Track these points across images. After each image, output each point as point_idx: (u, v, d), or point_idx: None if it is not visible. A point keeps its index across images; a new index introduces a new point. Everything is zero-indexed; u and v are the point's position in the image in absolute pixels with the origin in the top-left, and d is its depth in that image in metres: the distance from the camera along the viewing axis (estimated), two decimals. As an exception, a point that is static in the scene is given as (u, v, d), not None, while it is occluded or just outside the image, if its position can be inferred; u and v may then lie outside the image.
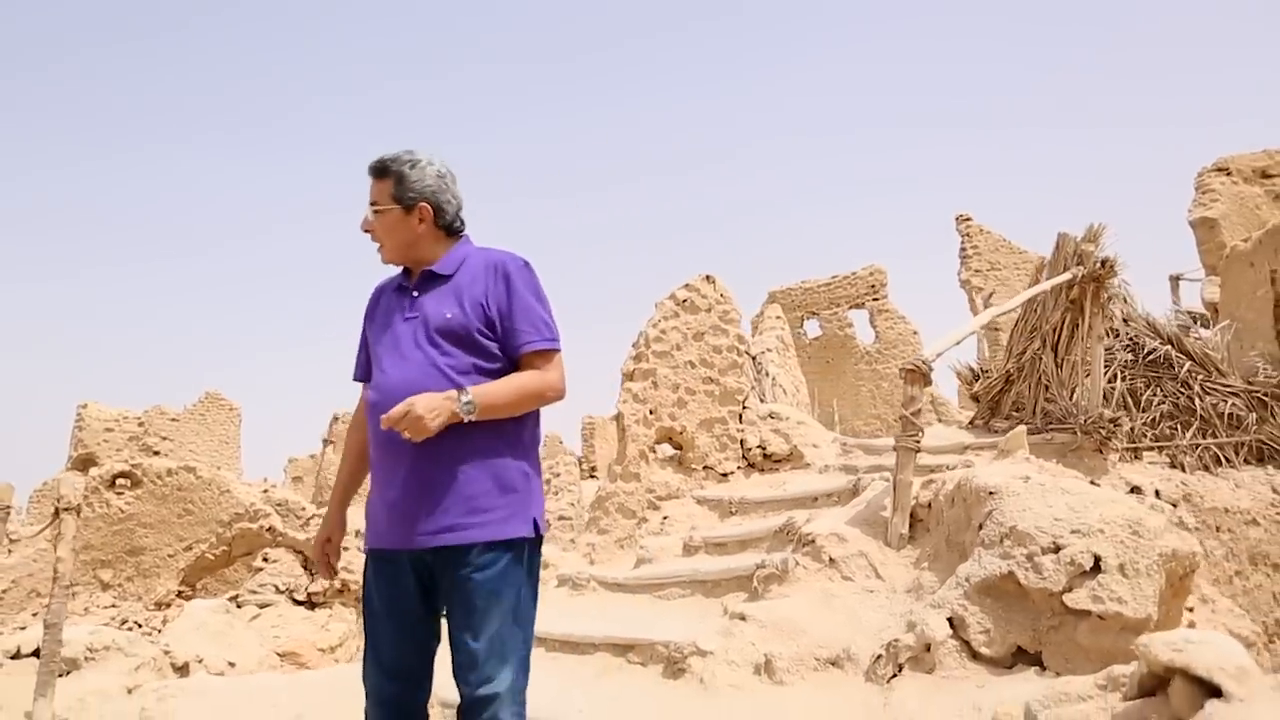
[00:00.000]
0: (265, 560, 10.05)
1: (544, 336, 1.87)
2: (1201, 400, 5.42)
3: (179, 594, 9.22)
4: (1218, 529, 4.67)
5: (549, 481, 7.75)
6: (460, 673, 1.75)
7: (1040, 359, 4.99)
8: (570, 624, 3.73)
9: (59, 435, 14.12)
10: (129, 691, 4.39)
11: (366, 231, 1.92)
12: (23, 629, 6.27)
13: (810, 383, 15.48)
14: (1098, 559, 2.33)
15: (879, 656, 2.68)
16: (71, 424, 13.94)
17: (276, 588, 9.31)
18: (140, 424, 14.60)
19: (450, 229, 1.96)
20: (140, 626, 8.28)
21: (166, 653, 5.04)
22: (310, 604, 8.98)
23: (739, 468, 5.42)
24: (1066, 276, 4.52)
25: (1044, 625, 2.42)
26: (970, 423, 5.80)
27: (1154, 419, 5.43)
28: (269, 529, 9.74)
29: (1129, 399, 5.62)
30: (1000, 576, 2.50)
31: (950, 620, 2.57)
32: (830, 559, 3.40)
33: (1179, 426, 5.40)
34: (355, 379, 2.10)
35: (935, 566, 3.06)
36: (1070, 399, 4.70)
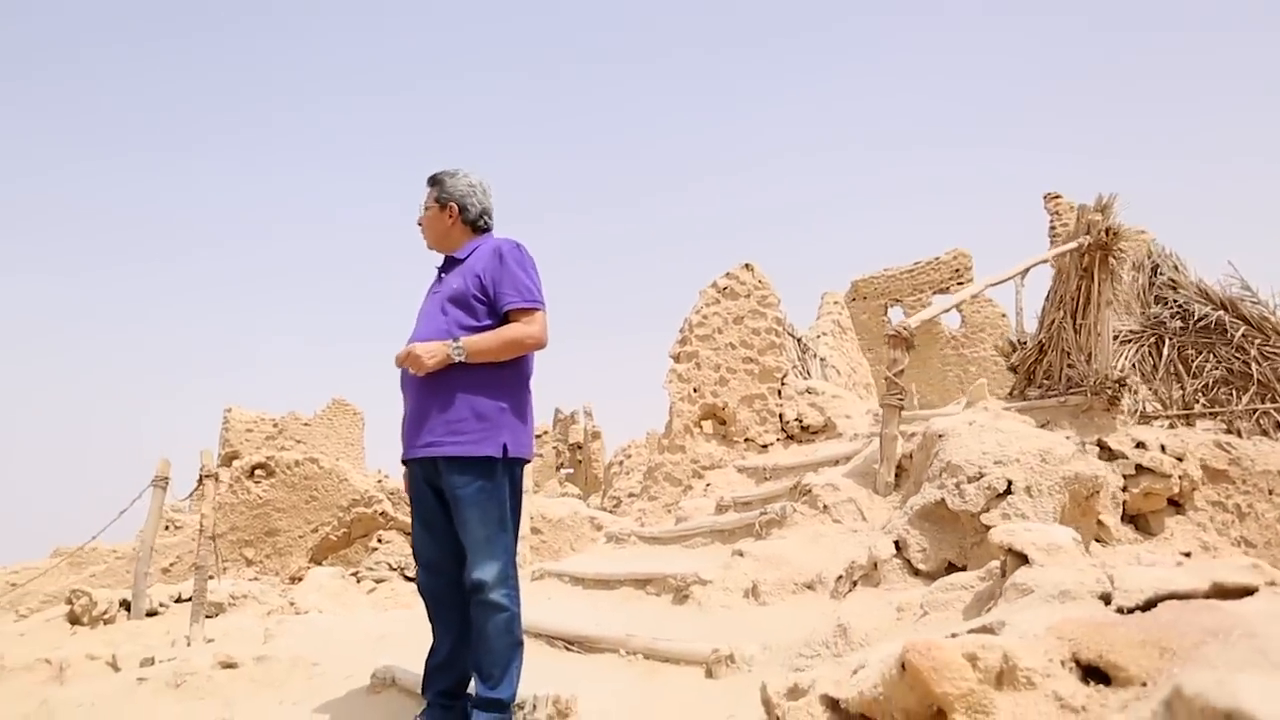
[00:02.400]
0: (379, 541, 11.23)
1: (524, 298, 2.46)
2: (1259, 365, 5.44)
3: (308, 570, 10.47)
4: (1270, 492, 4.74)
5: (622, 462, 8.36)
6: (466, 565, 2.37)
7: (1063, 327, 5.16)
8: (604, 567, 4.32)
9: (212, 434, 16.02)
10: (260, 625, 5.34)
11: (419, 224, 2.64)
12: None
13: (896, 370, 15.50)
14: (1010, 483, 2.71)
15: (839, 577, 3.12)
16: (219, 425, 15.85)
17: (390, 565, 10.37)
18: (275, 425, 16.32)
19: (474, 225, 2.63)
20: (274, 589, 9.52)
21: (292, 603, 6.00)
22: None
23: (778, 439, 5.86)
24: (1071, 245, 4.72)
25: (968, 542, 2.81)
26: (1009, 394, 5.98)
27: (1206, 384, 5.50)
28: (381, 513, 10.89)
29: (1179, 365, 5.71)
30: (935, 504, 2.91)
31: (896, 543, 2.99)
32: (824, 505, 3.84)
33: (1235, 392, 5.44)
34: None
35: (904, 505, 3.46)
36: (1088, 364, 4.86)
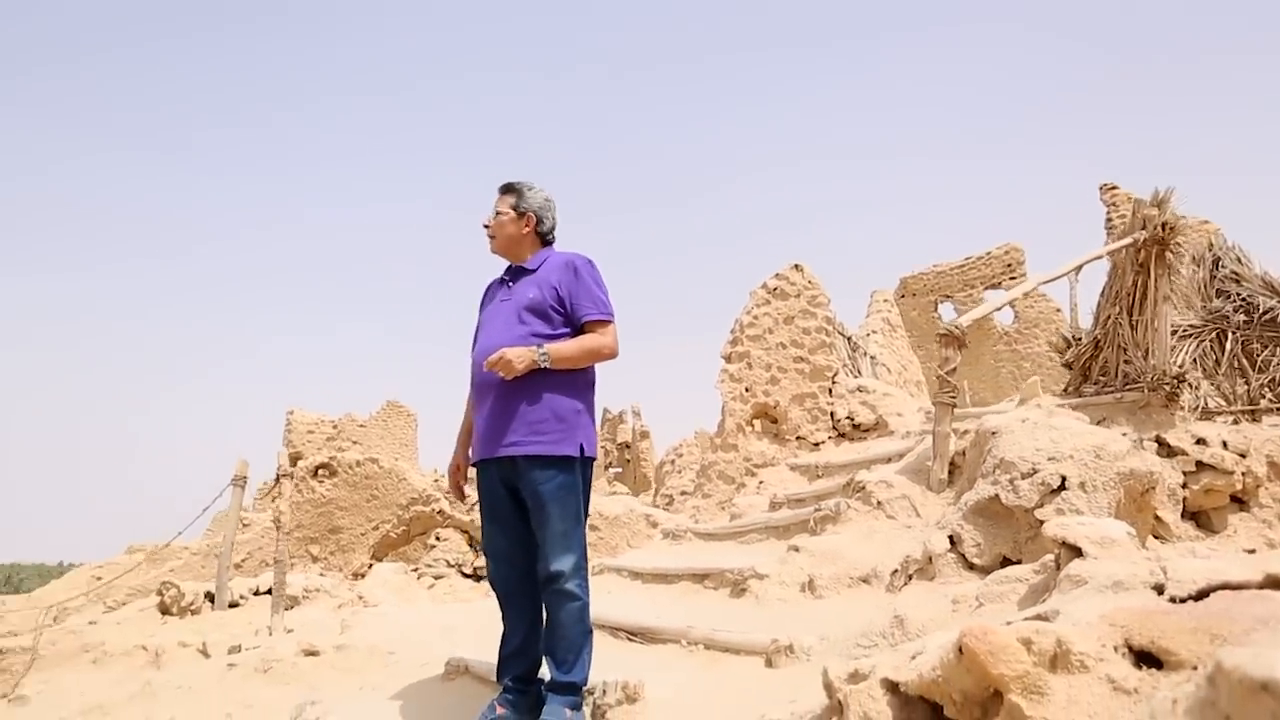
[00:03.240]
0: (437, 539, 11.56)
1: (600, 310, 2.64)
2: (1333, 359, 5.32)
3: (370, 566, 10.85)
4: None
5: (674, 461, 8.49)
6: (539, 556, 2.53)
7: (1120, 323, 5.11)
8: (662, 561, 4.46)
9: (270, 443, 16.65)
10: (334, 616, 5.62)
11: (486, 227, 2.79)
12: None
13: (947, 367, 15.30)
14: (1064, 479, 2.76)
15: (895, 571, 3.21)
16: (282, 426, 16.45)
17: (448, 562, 10.68)
18: (334, 426, 16.87)
19: (543, 238, 2.81)
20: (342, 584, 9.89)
21: (360, 597, 6.28)
22: (476, 577, 10.26)
23: (829, 437, 5.92)
24: (1127, 241, 4.69)
25: (1023, 537, 2.87)
26: (1064, 390, 5.94)
27: (1273, 379, 5.40)
28: (439, 511, 11.21)
29: (1242, 360, 5.61)
30: (989, 499, 2.97)
31: (950, 538, 3.06)
32: (878, 502, 3.92)
33: (1305, 386, 5.34)
34: (471, 351, 2.97)
35: (958, 501, 3.52)
36: (1145, 360, 4.82)
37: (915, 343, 15.50)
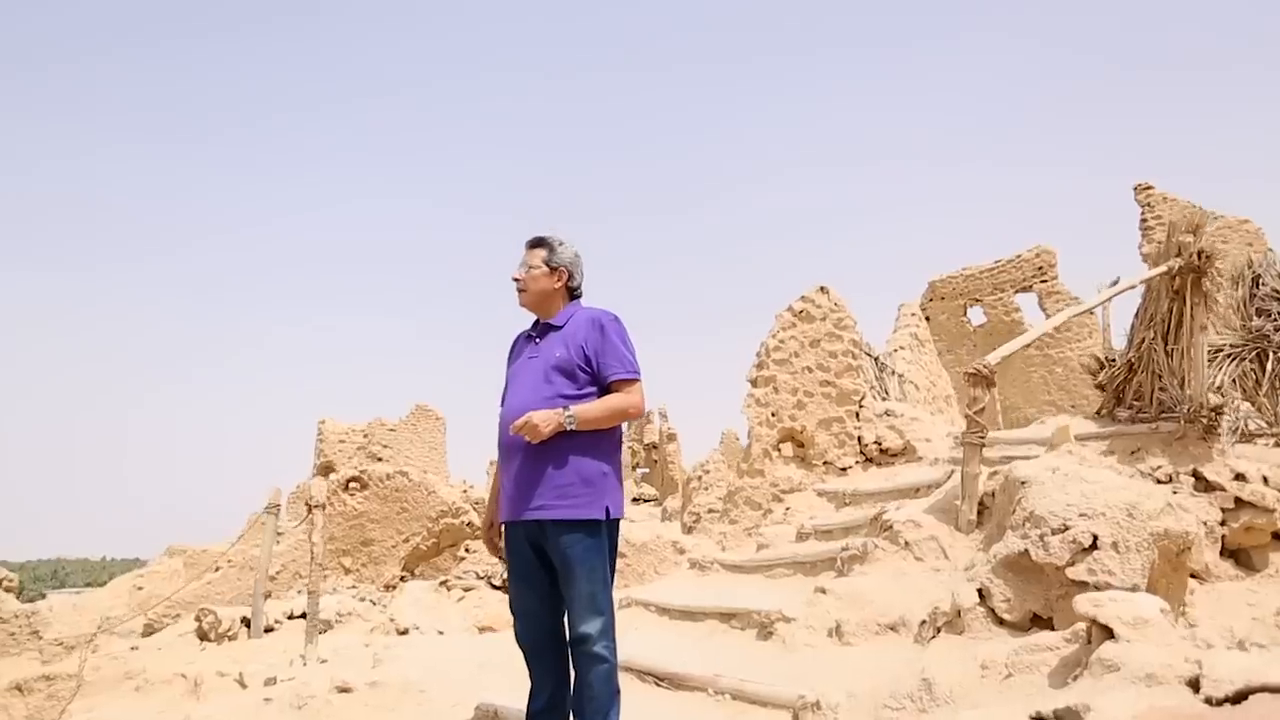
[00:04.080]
0: (467, 551, 11.69)
1: (626, 369, 2.66)
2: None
3: (401, 578, 11.00)
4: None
5: (700, 478, 8.49)
6: (567, 618, 2.55)
7: (1154, 349, 5.01)
8: (689, 598, 4.47)
9: (307, 445, 16.93)
10: (366, 645, 5.71)
11: (517, 280, 2.78)
12: (293, 601, 8.00)
13: (978, 371, 15.08)
14: (1095, 538, 2.72)
15: (923, 622, 3.18)
16: (314, 437, 16.72)
17: (477, 574, 10.78)
18: (364, 434, 17.10)
19: (573, 293, 2.82)
20: (375, 604, 10.05)
21: (392, 620, 6.37)
22: (505, 588, 10.33)
23: (856, 462, 5.88)
24: (1161, 270, 4.59)
25: (1054, 595, 2.83)
26: (1097, 412, 5.83)
27: (1325, 404, 5.26)
28: (468, 524, 11.33)
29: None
30: (1018, 554, 2.94)
31: (979, 591, 3.04)
32: (906, 542, 3.89)
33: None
34: (500, 407, 3.00)
35: (988, 547, 3.48)
36: (1181, 388, 4.72)
37: (945, 347, 15.32)
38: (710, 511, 7.54)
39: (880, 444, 5.84)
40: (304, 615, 5.73)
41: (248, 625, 5.68)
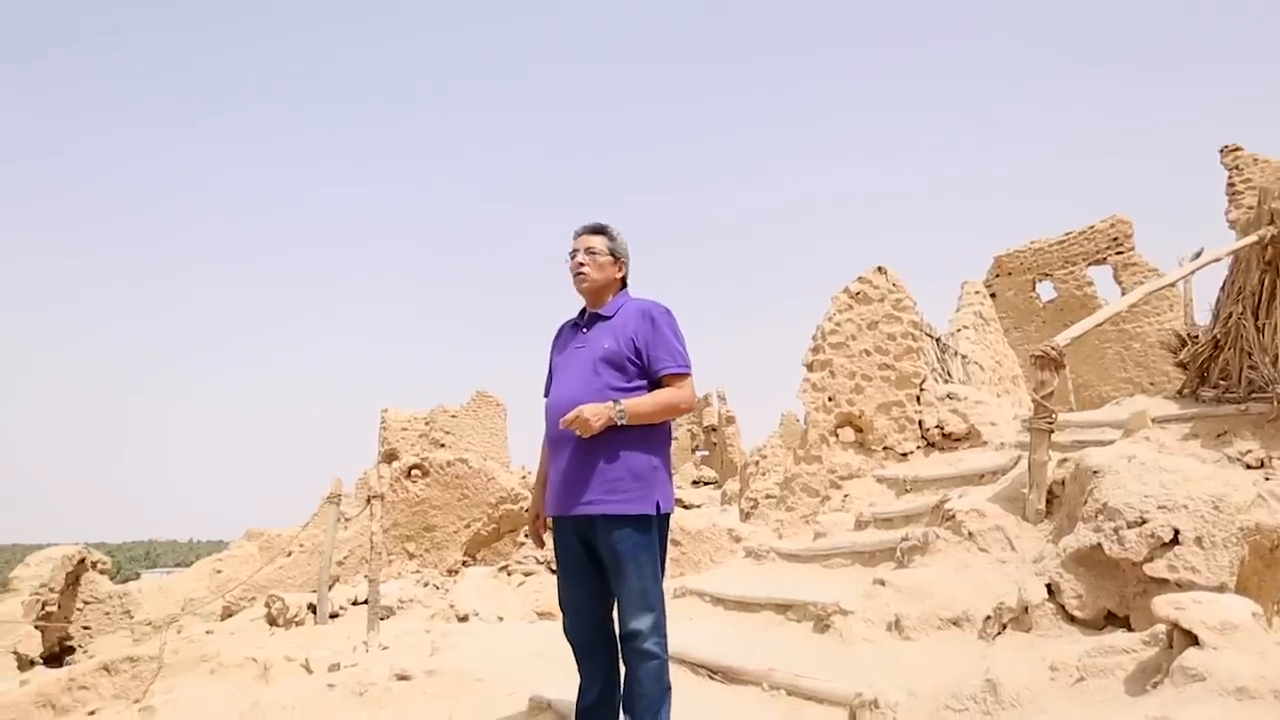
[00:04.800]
0: (526, 536, 11.83)
1: (678, 363, 2.59)
2: None
3: (463, 563, 11.21)
4: None
5: (758, 463, 8.39)
6: (617, 614, 2.51)
7: (1244, 324, 4.67)
8: (745, 588, 4.39)
9: (371, 432, 17.40)
10: (426, 631, 5.83)
11: (582, 264, 2.68)
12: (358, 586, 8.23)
13: (1048, 349, 14.47)
14: (1176, 532, 2.53)
15: (988, 617, 3.04)
16: (378, 425, 17.17)
17: (537, 559, 10.91)
18: (426, 422, 17.47)
19: (623, 283, 2.76)
20: (438, 588, 10.28)
21: (452, 606, 6.49)
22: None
23: (918, 447, 5.69)
24: (1251, 239, 4.27)
25: (1130, 592, 2.66)
26: (1178, 392, 5.50)
27: None
28: (527, 509, 11.45)
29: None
30: (1091, 547, 2.76)
31: (1048, 586, 2.88)
32: (969, 532, 3.72)
33: None
34: (544, 396, 2.96)
35: (1058, 538, 3.30)
36: (1274, 366, 4.39)
37: (1012, 324, 14.75)
38: (768, 497, 7.43)
39: (943, 428, 5.63)
40: (367, 602, 5.87)
41: (314, 611, 5.85)
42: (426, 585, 10.18)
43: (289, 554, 11.04)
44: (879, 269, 6.04)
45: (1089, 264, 14.01)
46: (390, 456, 16.06)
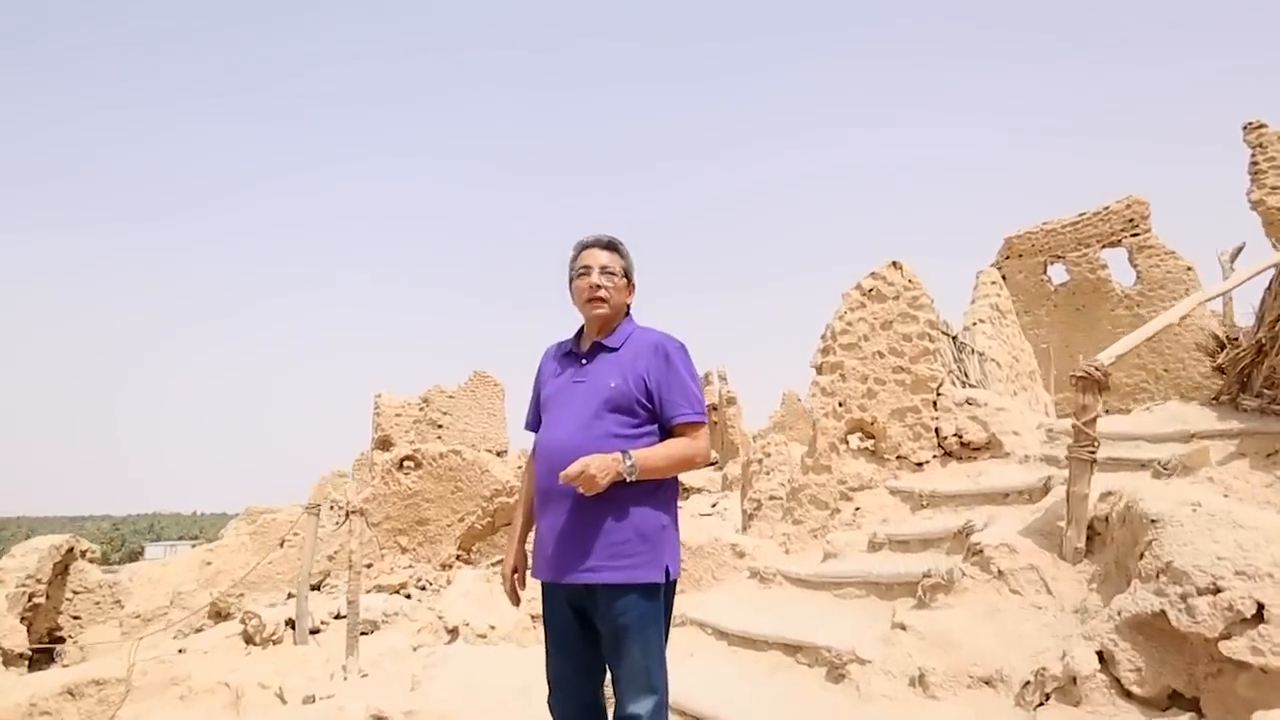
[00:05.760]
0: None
1: (694, 410, 2.21)
2: None
3: (457, 556, 10.92)
4: None
5: (761, 461, 8.05)
6: (614, 693, 2.16)
7: (1292, 329, 4.28)
8: (751, 621, 4.05)
9: (365, 418, 17.04)
10: (413, 649, 5.51)
11: (600, 289, 2.27)
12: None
13: (1060, 334, 14.03)
14: (1261, 606, 2.17)
15: (1028, 682, 2.69)
16: (371, 411, 16.81)
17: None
18: (420, 409, 17.11)
19: (628, 307, 2.37)
20: (431, 585, 9.98)
21: (440, 618, 6.18)
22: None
23: (934, 456, 5.33)
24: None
25: (1201, 671, 2.30)
26: (1215, 398, 5.12)
27: None
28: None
29: None
30: (1152, 614, 2.41)
31: (1100, 654, 2.53)
32: (999, 570, 3.38)
33: None
34: (526, 428, 2.57)
35: (1103, 589, 2.94)
36: (1330, 378, 4.02)
37: (1022, 308, 14.32)
38: (772, 498, 7.09)
39: (961, 436, 5.27)
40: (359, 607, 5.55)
41: (293, 628, 5.54)
42: (420, 582, 9.90)
43: (281, 544, 10.72)
44: (893, 264, 5.63)
45: (1103, 246, 13.55)
46: (384, 443, 15.74)
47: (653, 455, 2.12)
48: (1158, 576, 2.46)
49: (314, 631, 5.62)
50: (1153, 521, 2.63)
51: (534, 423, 2.47)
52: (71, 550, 13.64)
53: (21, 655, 11.26)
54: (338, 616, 5.90)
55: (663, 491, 2.22)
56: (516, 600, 2.53)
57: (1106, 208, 13.52)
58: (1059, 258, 14.10)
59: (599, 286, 2.28)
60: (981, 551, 3.46)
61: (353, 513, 4.87)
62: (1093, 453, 3.26)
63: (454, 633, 6.09)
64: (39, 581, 12.62)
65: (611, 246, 2.35)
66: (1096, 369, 3.31)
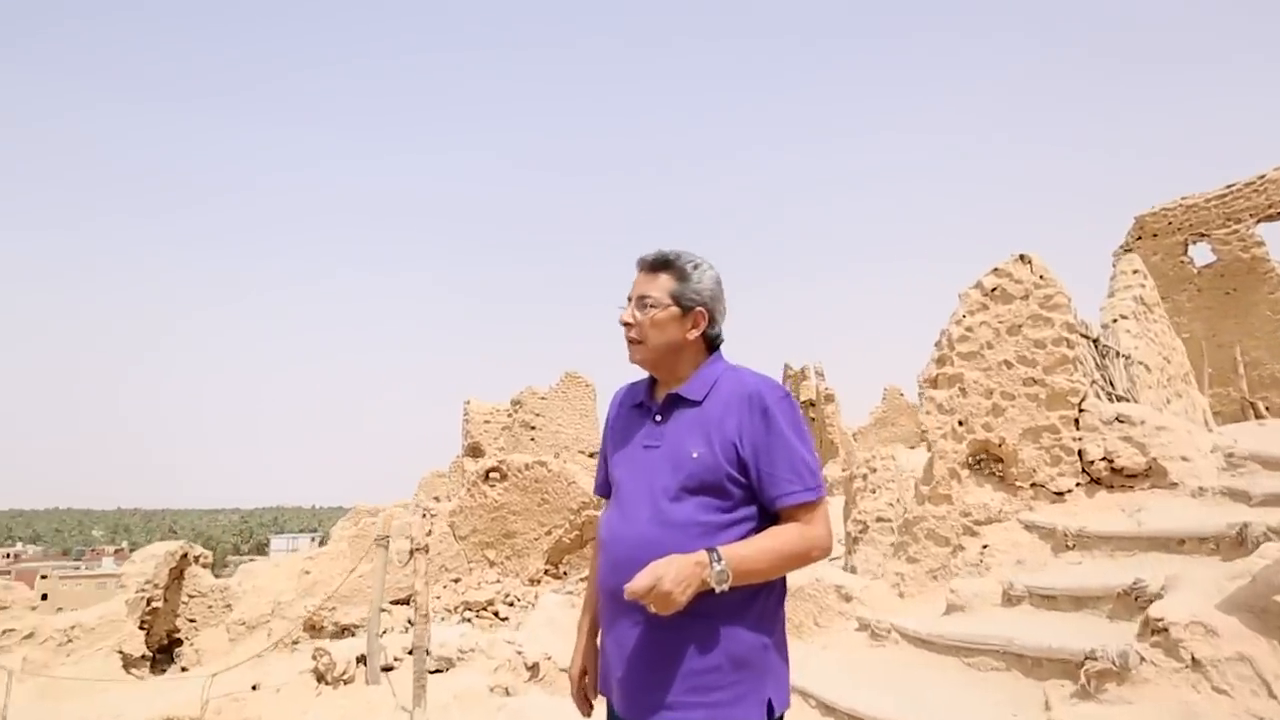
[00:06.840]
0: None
1: (808, 485, 1.60)
2: None
3: (545, 571, 10.62)
4: None
5: (865, 478, 7.32)
6: None
7: None
8: (863, 696, 3.42)
9: (455, 425, 17.12)
10: (489, 690, 5.14)
11: (626, 324, 1.77)
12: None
13: (1205, 322, 12.47)
14: None
15: (1259, 841, 1.98)
16: (460, 417, 16.85)
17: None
18: (511, 413, 17.03)
19: (713, 343, 1.80)
20: (519, 601, 9.71)
21: (519, 653, 5.78)
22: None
23: (1078, 484, 4.50)
24: None
25: None
26: None
27: None
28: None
29: None
30: None
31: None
32: (1193, 659, 2.63)
33: None
34: (596, 493, 2.02)
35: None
36: None
37: (1159, 294, 12.80)
38: (879, 520, 6.39)
39: (1111, 461, 4.42)
40: (426, 650, 5.23)
41: (364, 664, 5.27)
42: (508, 598, 9.63)
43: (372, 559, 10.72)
44: (1020, 257, 4.81)
45: (1258, 220, 11.91)
46: (474, 451, 15.71)
47: (751, 554, 1.53)
48: None
49: (387, 669, 5.36)
50: None
51: (604, 487, 1.93)
52: (186, 556, 14.28)
53: (143, 657, 11.77)
54: (410, 652, 5.63)
55: (764, 599, 1.62)
56: (587, 709, 1.99)
57: (1262, 176, 11.88)
58: (1203, 235, 12.52)
59: (628, 325, 1.75)
60: (1167, 630, 2.71)
61: (417, 550, 4.53)
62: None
63: (534, 669, 5.68)
64: (156, 586, 13.23)
65: (656, 266, 1.76)
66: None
